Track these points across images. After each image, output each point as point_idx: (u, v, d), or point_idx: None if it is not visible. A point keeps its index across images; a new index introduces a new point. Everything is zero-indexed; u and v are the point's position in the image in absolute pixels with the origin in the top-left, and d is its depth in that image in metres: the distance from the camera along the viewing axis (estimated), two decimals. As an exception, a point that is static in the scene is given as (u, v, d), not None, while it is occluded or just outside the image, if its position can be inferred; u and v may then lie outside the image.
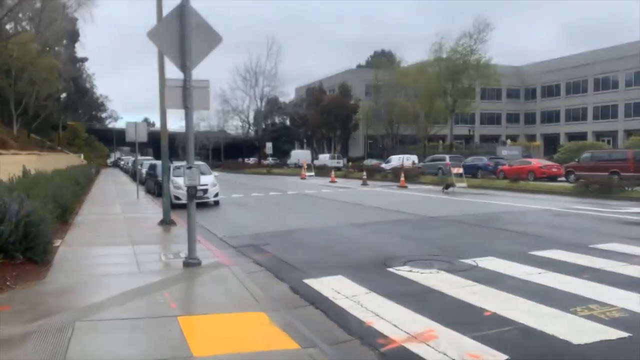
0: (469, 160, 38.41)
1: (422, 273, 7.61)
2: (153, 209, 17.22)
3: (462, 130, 67.29)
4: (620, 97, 63.56)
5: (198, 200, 17.01)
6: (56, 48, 49.68)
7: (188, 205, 8.36)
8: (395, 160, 45.06)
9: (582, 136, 66.01)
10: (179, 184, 18.00)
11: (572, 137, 69.36)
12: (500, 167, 34.92)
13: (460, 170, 23.11)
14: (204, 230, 12.47)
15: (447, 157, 40.73)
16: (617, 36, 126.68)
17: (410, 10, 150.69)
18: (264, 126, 67.14)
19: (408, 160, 44.31)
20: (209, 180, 18.87)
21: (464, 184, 22.46)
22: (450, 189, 22.15)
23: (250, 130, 66.50)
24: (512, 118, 79.82)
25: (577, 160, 29.68)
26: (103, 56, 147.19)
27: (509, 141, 71.63)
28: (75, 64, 63.00)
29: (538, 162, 31.75)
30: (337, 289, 6.90)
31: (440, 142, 68.20)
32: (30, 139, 41.93)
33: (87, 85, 77.64)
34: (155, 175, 24.51)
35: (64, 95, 61.14)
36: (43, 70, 38.22)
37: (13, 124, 40.41)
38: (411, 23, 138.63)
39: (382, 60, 71.54)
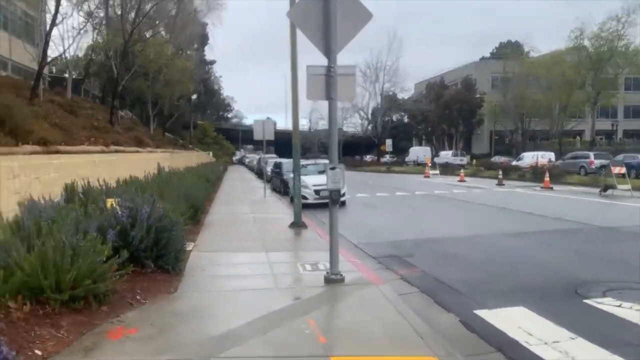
0: (619, 158, 33.71)
1: (638, 310, 5.71)
2: (281, 209, 16.60)
3: (601, 125, 60.14)
4: None
5: (325, 200, 16.09)
6: (188, 52, 52.37)
7: (331, 212, 7.24)
8: (529, 157, 41.06)
9: None
10: (305, 183, 17.24)
11: None
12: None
13: (623, 170, 19.76)
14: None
15: (591, 154, 36.17)
16: None
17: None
18: (381, 123, 65.60)
19: (543, 157, 40.10)
20: (336, 179, 17.85)
21: (627, 186, 19.12)
22: (610, 192, 18.99)
23: (368, 128, 65.36)
24: (664, 110, 70.04)
25: None
26: (228, 58, 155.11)
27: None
28: (205, 67, 66.43)
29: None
30: (525, 327, 5.30)
31: (577, 137, 61.66)
32: (164, 137, 44.52)
33: (215, 86, 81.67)
34: (280, 173, 24.21)
35: (194, 96, 64.66)
36: (177, 72, 40.21)
37: (150, 123, 43.16)
38: (537, 14, 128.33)
39: (508, 52, 66.46)
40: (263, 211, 15.83)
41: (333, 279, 6.86)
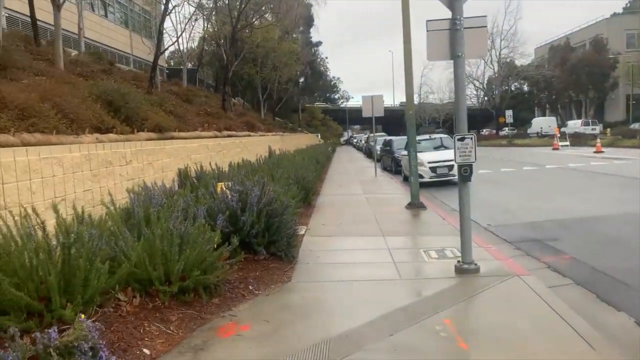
0: None
1: None
2: (394, 189, 15.72)
3: None
4: None
5: (442, 179, 14.86)
6: (293, 35, 52.66)
7: (460, 191, 6.32)
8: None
9: None
10: (420, 160, 16.10)
11: None
12: None
13: None
14: (456, 215, 10.26)
15: None
16: None
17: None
18: (499, 93, 61.23)
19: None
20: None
21: None
22: None
23: (484, 99, 61.43)
24: None
25: None
26: (333, 39, 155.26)
27: None
28: (311, 49, 66.67)
29: None
30: None
31: None
32: (274, 121, 45.35)
33: (321, 68, 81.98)
34: (391, 151, 23.23)
35: (302, 79, 65.28)
36: (284, 55, 40.51)
37: (261, 108, 44.14)
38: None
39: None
40: (375, 191, 15.04)
41: (466, 269, 5.91)
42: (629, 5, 74.73)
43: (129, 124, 9.62)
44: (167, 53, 35.03)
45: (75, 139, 6.65)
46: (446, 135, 18.67)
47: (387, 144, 24.93)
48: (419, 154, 16.53)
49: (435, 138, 17.68)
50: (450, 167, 16.05)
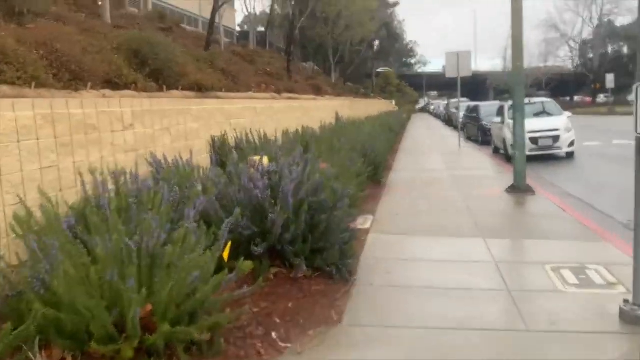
0: None
1: None
2: (485, 164, 12.99)
3: None
4: None
5: (544, 152, 11.97)
6: (368, -6, 49.17)
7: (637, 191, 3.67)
8: None
9: None
10: (517, 129, 13.22)
11: None
12: None
13: None
14: (577, 204, 7.59)
15: None
16: None
17: None
18: (598, 55, 54.61)
19: None
20: (561, 123, 13.41)
21: None
22: None
23: (578, 63, 55.16)
24: None
25: None
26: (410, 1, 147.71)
27: None
28: (387, 9, 62.79)
29: None
30: None
31: None
32: (346, 86, 42.77)
33: (398, 31, 77.67)
34: (477, 118, 20.19)
35: (376, 42, 61.89)
36: (358, 13, 37.60)
37: (332, 72, 41.67)
38: None
39: None
40: (461, 167, 12.38)
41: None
42: None
43: (157, 80, 7.68)
44: (240, 17, 33.19)
45: (68, 95, 4.72)
46: (549, 100, 15.43)
47: (474, 110, 21.81)
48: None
49: (535, 103, 14.55)
50: (556, 139, 13.04)
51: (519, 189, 8.16)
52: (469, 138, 21.04)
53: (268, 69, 17.37)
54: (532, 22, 73.04)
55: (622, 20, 56.27)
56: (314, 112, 16.40)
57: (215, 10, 16.44)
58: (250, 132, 8.07)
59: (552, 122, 13.17)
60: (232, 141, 7.78)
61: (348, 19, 37.66)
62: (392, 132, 17.94)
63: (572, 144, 13.28)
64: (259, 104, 10.22)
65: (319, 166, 5.05)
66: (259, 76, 15.76)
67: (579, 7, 51.60)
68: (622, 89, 56.20)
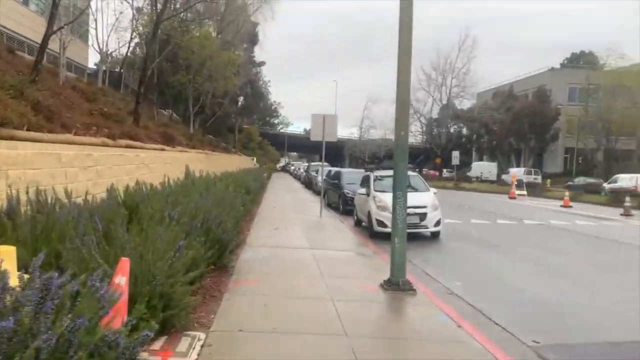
0: None
1: None
2: (348, 240, 11.51)
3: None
4: None
5: (410, 230, 10.71)
6: (236, 52, 48.25)
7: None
8: (625, 180, 34.50)
9: None
10: (384, 202, 12.07)
11: None
12: None
13: None
14: (466, 310, 6.18)
15: None
16: None
17: (614, 9, 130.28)
18: (445, 133, 59.25)
19: (645, 181, 33.51)
20: (428, 199, 12.57)
21: None
22: None
23: (427, 138, 59.34)
24: None
25: None
26: (277, 64, 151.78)
27: None
28: (253, 67, 62.60)
29: None
30: None
31: None
32: (205, 138, 40.38)
33: (263, 90, 77.99)
34: (339, 185, 19.13)
35: (241, 98, 60.95)
36: (222, 66, 36.05)
37: (191, 122, 39.15)
38: (614, 23, 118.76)
39: (581, 63, 59.26)
40: (325, 243, 10.71)
41: None
42: (565, 62, 76.88)
43: None
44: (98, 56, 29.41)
45: None
46: (415, 173, 14.75)
47: (335, 176, 20.83)
48: (383, 195, 12.52)
49: (402, 175, 13.69)
50: (423, 216, 12.09)
51: (397, 286, 6.56)
52: (329, 205, 19.92)
53: (105, 109, 14.53)
54: (391, 98, 78.49)
55: (467, 103, 62.38)
56: (160, 164, 13.90)
57: (47, 36, 13.40)
58: (43, 191, 5.50)
59: (420, 199, 12.22)
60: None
61: (212, 70, 35.95)
62: (249, 194, 15.95)
63: (438, 223, 12.44)
64: (71, 149, 7.61)
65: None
66: (93, 117, 12.96)
67: (431, 87, 55.99)
68: (461, 165, 61.62)
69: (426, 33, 65.78)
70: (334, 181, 20.42)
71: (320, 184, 20.60)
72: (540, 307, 6.43)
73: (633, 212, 20.04)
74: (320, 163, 19.93)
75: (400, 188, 6.79)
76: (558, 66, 71.86)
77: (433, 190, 13.67)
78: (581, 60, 72.14)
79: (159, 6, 26.86)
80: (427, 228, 12.25)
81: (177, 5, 36.13)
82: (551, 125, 56.09)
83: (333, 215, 16.98)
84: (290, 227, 12.82)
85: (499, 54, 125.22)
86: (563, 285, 7.74)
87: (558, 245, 11.89)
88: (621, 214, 19.72)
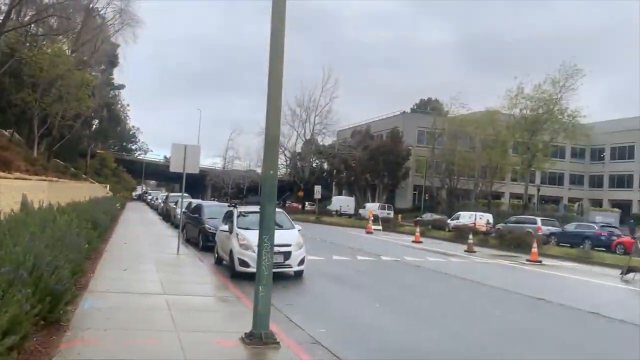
0: (571, 227, 31.30)
1: None
2: (207, 284, 10.75)
3: (516, 189, 59.69)
4: None
5: (274, 270, 10.38)
6: (93, 73, 44.93)
7: None
8: (466, 217, 38.08)
9: (661, 206, 58.31)
10: (248, 241, 11.60)
11: (647, 206, 61.71)
12: (618, 239, 27.68)
13: None
14: (319, 352, 5.92)
15: (538, 219, 33.68)
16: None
17: (451, 63, 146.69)
18: (308, 167, 60.63)
19: (482, 218, 37.30)
20: (293, 237, 12.31)
21: None
22: (632, 276, 15.03)
23: (290, 170, 60.23)
24: (576, 179, 72.23)
25: None
26: (138, 87, 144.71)
27: (582, 204, 64.22)
28: (111, 90, 58.83)
29: (682, 236, 24.32)
30: None
31: (509, 200, 61.37)
32: (51, 163, 36.41)
33: (121, 115, 73.56)
34: (199, 220, 18.18)
35: (96, 122, 56.73)
36: (75, 86, 33.07)
37: (35, 145, 35.14)
38: (451, 77, 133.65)
39: (429, 108, 65.67)
40: (181, 287, 9.85)
41: None
42: (415, 107, 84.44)
43: None
44: None
45: None
46: (280, 210, 14.47)
47: (196, 210, 19.80)
48: (247, 233, 12.02)
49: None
50: (287, 255, 11.79)
51: (259, 340, 6.06)
52: (188, 240, 18.85)
53: None
54: (255, 130, 78.59)
55: (328, 139, 64.66)
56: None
57: None
58: None
59: (284, 237, 11.86)
60: None
61: (63, 90, 32.82)
62: (96, 229, 14.36)
63: (302, 261, 12.22)
64: None
65: None
66: None
67: (295, 122, 57.24)
68: (322, 198, 63.48)
69: (292, 69, 67.56)
70: (195, 215, 19.39)
71: (179, 216, 19.40)
72: (407, 355, 6.37)
73: (475, 248, 21.93)
74: (180, 194, 18.88)
75: (267, 231, 6.37)
76: (409, 110, 78.50)
77: (298, 227, 13.49)
78: (428, 107, 79.45)
79: (0, 17, 24.02)
80: (291, 267, 11.96)
81: (26, 18, 32.72)
82: (403, 164, 60.44)
83: (192, 252, 16.01)
84: (143, 267, 11.67)
85: (358, 95, 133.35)
86: (423, 328, 7.86)
87: (417, 284, 12.36)
88: (465, 250, 21.45)
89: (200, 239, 17.46)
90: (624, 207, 60.51)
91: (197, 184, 72.02)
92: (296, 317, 8.02)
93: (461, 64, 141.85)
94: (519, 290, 11.77)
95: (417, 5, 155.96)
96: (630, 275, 14.97)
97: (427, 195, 61.35)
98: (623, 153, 67.40)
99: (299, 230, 13.12)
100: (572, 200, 68.15)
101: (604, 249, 25.74)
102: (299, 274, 12.21)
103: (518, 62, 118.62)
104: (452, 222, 36.81)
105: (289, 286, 10.95)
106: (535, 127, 45.94)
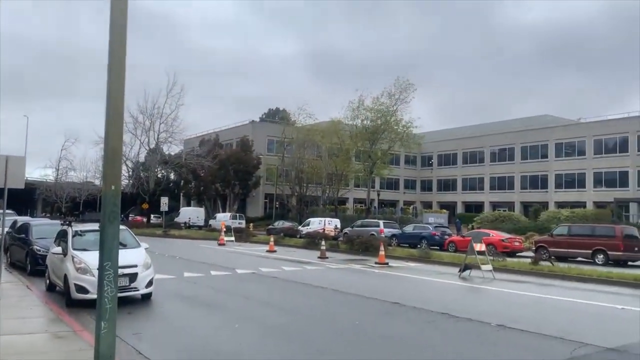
0: (409, 229, 33.85)
1: None
2: (39, 314, 9.22)
3: (361, 194, 63.48)
4: (516, 169, 64.83)
5: (119, 294, 9.38)
6: None
7: None
8: (316, 223, 39.15)
9: (480, 206, 66.26)
10: (86, 264, 10.30)
11: (468, 206, 69.67)
12: (449, 237, 30.70)
13: (484, 247, 17.35)
14: None
15: (380, 222, 35.83)
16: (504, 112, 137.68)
17: (297, 72, 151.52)
18: (153, 178, 57.05)
19: (330, 224, 38.66)
20: (139, 257, 11.20)
21: (489, 267, 16.69)
22: (468, 273, 16.45)
23: (133, 182, 56.12)
24: (410, 184, 79.00)
25: (549, 234, 26.29)
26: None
27: (412, 207, 70.14)
28: None
29: (498, 234, 27.74)
30: None
31: (353, 204, 64.48)
32: None
33: None
34: (27, 241, 15.84)
35: None
36: None
37: None
38: (299, 87, 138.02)
39: (277, 118, 66.84)
40: (2, 323, 8.24)
41: None
42: (264, 116, 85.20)
43: None
44: None
45: None
46: (125, 227, 13.05)
47: (22, 229, 17.21)
48: (84, 255, 10.63)
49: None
50: (133, 277, 10.67)
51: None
52: (13, 264, 16.30)
53: None
54: (92, 139, 71.86)
55: (175, 148, 61.74)
56: None
57: None
58: None
59: (129, 257, 10.70)
60: None
61: None
62: None
63: (150, 283, 11.14)
64: None
65: None
66: None
67: (138, 130, 53.61)
68: (170, 210, 60.40)
69: (134, 74, 63.39)
70: (21, 235, 16.84)
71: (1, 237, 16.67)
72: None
73: (327, 254, 22.40)
74: (2, 211, 16.20)
75: (109, 257, 5.48)
76: (258, 119, 78.81)
77: (144, 245, 12.32)
78: (277, 116, 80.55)
79: None
80: (137, 290, 10.82)
81: None
82: (253, 173, 60.25)
83: (18, 278, 13.87)
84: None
85: (206, 103, 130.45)
86: (289, 351, 7.50)
87: (276, 298, 11.99)
88: (318, 257, 21.79)
89: (28, 262, 15.21)
90: (450, 208, 67.67)
91: (26, 199, 63.91)
92: (146, 349, 7.14)
93: (307, 74, 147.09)
94: (374, 295, 12.09)
95: (265, 17, 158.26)
96: (467, 272, 16.42)
97: (278, 203, 61.93)
98: (448, 159, 75.41)
99: (145, 248, 11.99)
100: (406, 203, 74.35)
101: (437, 248, 28.21)
102: (147, 297, 11.13)
103: (359, 72, 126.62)
104: (303, 229, 37.47)
105: (135, 312, 9.86)
106: (375, 136, 49.01)
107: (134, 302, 10.65)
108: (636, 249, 23.01)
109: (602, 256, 22.84)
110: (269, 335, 8.24)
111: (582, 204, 52.24)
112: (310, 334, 8.35)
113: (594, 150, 56.27)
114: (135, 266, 10.80)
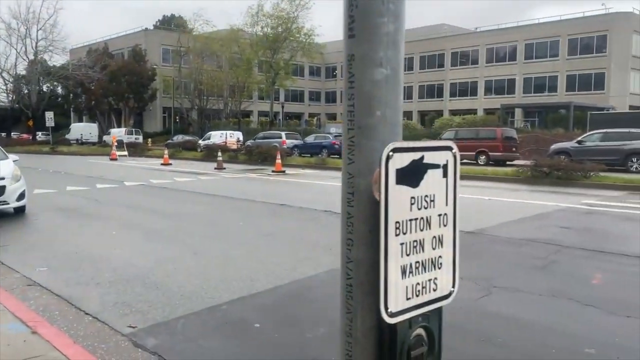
0: (311, 139, 34.25)
1: None
2: None
3: (265, 107, 62.80)
4: (415, 79, 66.58)
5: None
6: None
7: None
8: (217, 136, 38.44)
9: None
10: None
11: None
12: (348, 145, 31.41)
13: None
14: (36, 293, 5.22)
15: (282, 134, 35.90)
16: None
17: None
18: (35, 92, 51.88)
19: (232, 137, 38.21)
20: (7, 169, 10.36)
21: None
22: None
23: (14, 97, 50.90)
24: (314, 96, 78.93)
25: (439, 138, 27.79)
26: None
27: (317, 119, 70.66)
28: None
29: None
30: None
31: (257, 117, 63.50)
32: None
33: None
34: None
35: None
36: None
37: None
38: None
39: (171, 26, 62.51)
40: None
41: None
42: (158, 24, 79.08)
43: None
44: None
45: None
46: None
47: None
48: None
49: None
50: (2, 190, 9.89)
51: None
52: None
53: None
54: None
55: (59, 59, 56.38)
56: None
57: None
58: None
59: (-5, 170, 9.94)
60: None
61: None
62: None
63: (22, 196, 10.41)
64: None
65: None
66: None
67: (12, 38, 47.90)
68: (59, 127, 56.19)
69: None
70: None
71: None
72: (141, 281, 5.88)
73: (224, 165, 22.18)
74: None
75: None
76: (152, 27, 73.09)
77: (13, 157, 11.43)
78: (172, 23, 75.27)
79: None
80: (7, 204, 10.09)
81: None
82: (149, 85, 56.91)
83: None
84: None
85: (92, 9, 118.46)
86: (165, 249, 7.44)
87: (162, 206, 11.75)
88: (215, 168, 21.52)
89: None
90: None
91: None
92: (12, 260, 6.74)
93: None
94: (263, 199, 12.24)
95: None
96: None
97: (177, 117, 59.54)
98: (350, 71, 75.60)
99: (14, 160, 11.09)
100: (311, 115, 74.63)
101: (338, 156, 28.98)
102: (20, 211, 10.44)
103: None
104: (203, 142, 36.67)
105: (7, 226, 9.24)
106: (276, 45, 47.71)
107: (5, 217, 9.97)
108: (514, 149, 25.10)
109: (484, 157, 24.72)
110: (147, 240, 8.10)
111: (474, 111, 55.35)
112: (192, 236, 8.33)
113: (486, 59, 58.99)
114: (3, 179, 9.99)
